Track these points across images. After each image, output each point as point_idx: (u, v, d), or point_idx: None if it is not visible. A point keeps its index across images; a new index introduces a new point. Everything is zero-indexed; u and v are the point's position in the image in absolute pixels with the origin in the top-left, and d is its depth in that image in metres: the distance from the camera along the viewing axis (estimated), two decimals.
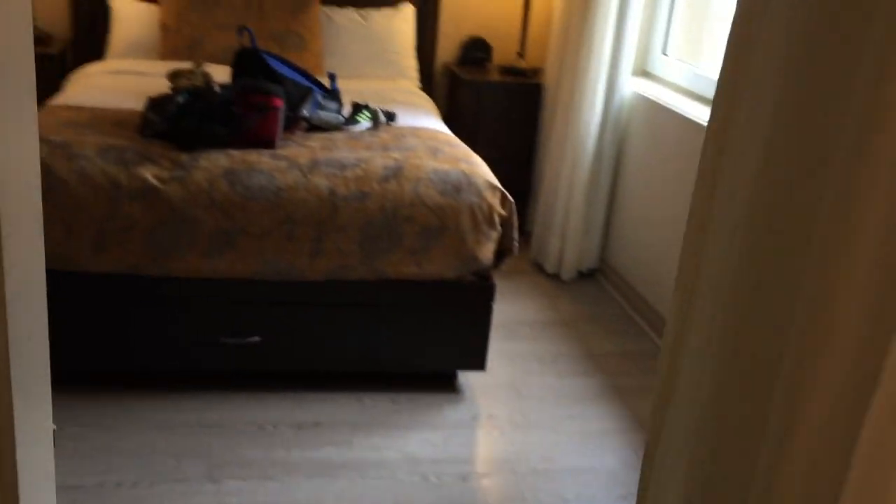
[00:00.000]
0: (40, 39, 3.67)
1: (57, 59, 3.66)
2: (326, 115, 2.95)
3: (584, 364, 3.08)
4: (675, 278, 1.46)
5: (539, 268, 3.85)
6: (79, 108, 2.91)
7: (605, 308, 3.55)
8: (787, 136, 1.14)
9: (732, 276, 1.25)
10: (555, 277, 3.77)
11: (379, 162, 2.66)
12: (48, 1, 3.83)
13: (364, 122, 3.05)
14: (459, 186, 2.64)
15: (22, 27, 0.87)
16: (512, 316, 3.37)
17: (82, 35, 3.86)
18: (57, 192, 2.41)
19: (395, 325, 2.71)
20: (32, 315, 0.98)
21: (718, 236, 1.27)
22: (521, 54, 4.13)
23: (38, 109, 2.93)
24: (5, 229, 0.83)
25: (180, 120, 2.62)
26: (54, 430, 1.37)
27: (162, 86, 2.95)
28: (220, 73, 3.06)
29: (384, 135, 2.97)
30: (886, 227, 0.97)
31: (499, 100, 4.01)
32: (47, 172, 2.41)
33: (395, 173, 2.62)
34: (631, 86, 3.58)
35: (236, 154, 2.60)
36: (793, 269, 1.13)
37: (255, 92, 2.67)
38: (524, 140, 4.08)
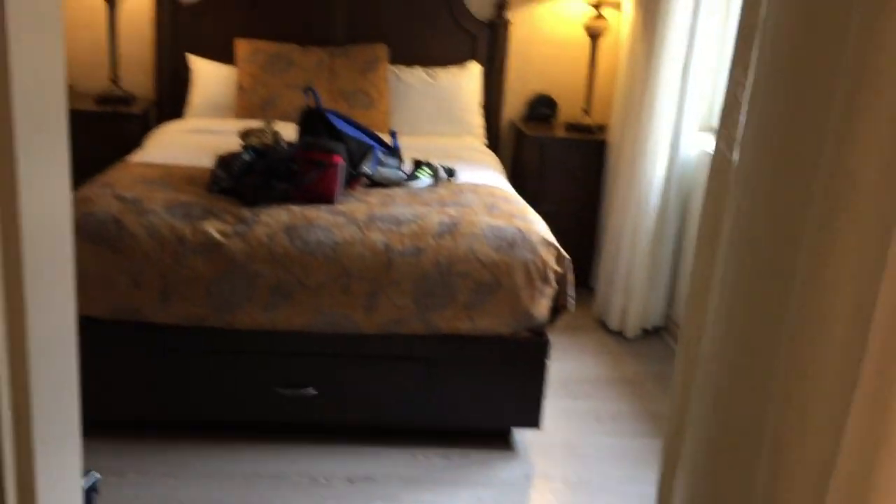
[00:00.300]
0: (124, 100, 3.88)
1: (140, 119, 3.86)
2: (387, 172, 3.02)
3: (645, 424, 3.01)
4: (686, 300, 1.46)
5: (602, 324, 3.81)
6: (154, 165, 3.06)
7: (669, 367, 3.45)
8: (782, 157, 1.14)
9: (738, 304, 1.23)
10: (618, 334, 3.71)
11: (435, 218, 2.70)
12: (133, 63, 4.06)
13: (424, 178, 3.10)
14: (514, 243, 2.65)
15: (55, 78, 0.93)
16: (572, 373, 3.33)
17: (165, 95, 4.06)
18: (126, 245, 2.52)
19: (449, 380, 2.71)
20: (60, 367, 1.02)
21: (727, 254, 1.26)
22: (586, 111, 4.14)
23: (117, 166, 3.08)
24: (29, 278, 0.87)
25: (245, 176, 2.73)
26: (98, 479, 1.42)
27: (234, 143, 3.07)
28: (291, 131, 3.17)
29: (443, 191, 3.01)
30: (867, 239, 0.97)
31: (564, 156, 4.03)
32: (118, 226, 2.54)
33: (450, 229, 2.65)
34: (697, 142, 3.55)
35: (297, 209, 2.68)
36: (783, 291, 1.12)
37: (315, 149, 2.76)
38: (589, 196, 4.07)
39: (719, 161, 1.26)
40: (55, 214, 0.97)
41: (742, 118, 1.16)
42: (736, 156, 1.19)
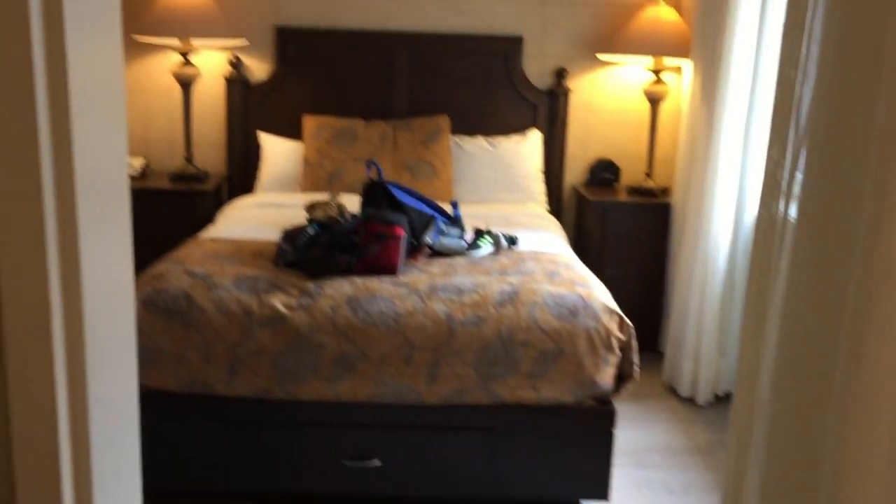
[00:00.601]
0: (198, 177, 4.04)
1: (213, 195, 4.00)
2: (448, 242, 3.06)
3: (718, 496, 2.91)
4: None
5: (672, 391, 3.72)
6: (224, 241, 3.16)
7: None
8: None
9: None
10: (689, 401, 3.62)
11: (495, 287, 2.71)
12: (206, 142, 4.24)
13: (485, 247, 3.12)
14: (576, 310, 2.64)
15: (117, 168, 0.98)
16: (642, 442, 3.25)
17: (236, 171, 4.22)
18: (196, 319, 2.60)
19: (513, 451, 2.68)
20: (121, 450, 1.05)
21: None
22: (648, 174, 4.13)
23: (189, 242, 3.19)
24: (91, 360, 0.90)
25: (309, 250, 2.79)
26: None
27: (301, 217, 3.16)
28: (356, 203, 3.24)
29: (504, 259, 3.03)
30: None
31: (627, 220, 4.01)
32: (189, 301, 2.62)
33: (511, 298, 2.66)
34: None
35: (360, 281, 2.72)
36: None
37: (376, 222, 2.81)
38: (654, 260, 4.03)
39: (762, 240, 1.24)
40: (117, 292, 1.01)
41: (783, 196, 1.15)
42: (778, 233, 1.18)
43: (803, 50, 1.08)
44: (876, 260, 0.92)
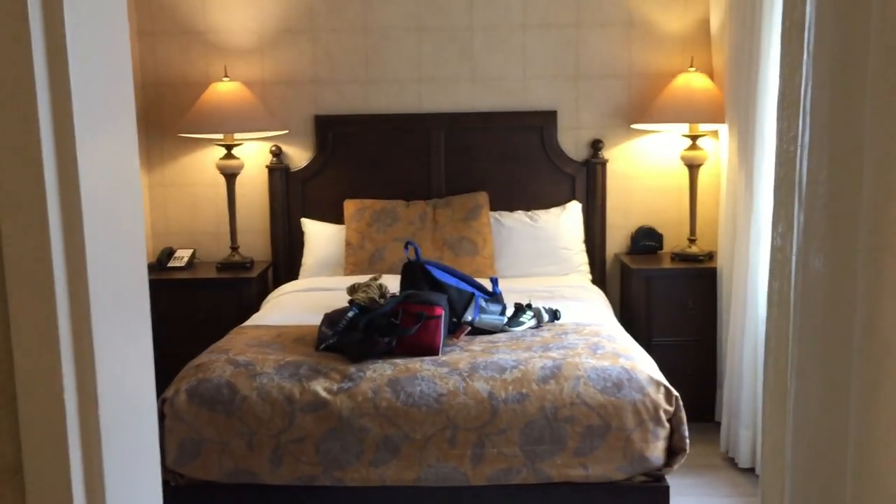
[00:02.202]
0: (244, 266, 4.12)
1: (258, 282, 4.07)
2: (489, 319, 3.04)
3: None
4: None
5: (731, 461, 3.58)
6: (267, 328, 3.20)
7: None
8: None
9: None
10: (749, 472, 3.48)
11: (537, 362, 2.67)
12: (250, 231, 4.34)
13: (527, 322, 3.10)
14: (620, 383, 2.58)
15: (135, 261, 1.00)
16: None
17: (280, 258, 4.29)
18: (239, 408, 2.61)
19: None
20: None
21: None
22: (692, 240, 4.08)
23: (234, 331, 3.22)
24: (109, 470, 0.91)
25: (349, 333, 2.80)
26: None
27: (343, 300, 3.18)
28: (397, 284, 3.26)
29: (546, 334, 3.00)
30: None
31: (672, 287, 3.94)
32: (232, 390, 2.64)
33: (554, 373, 2.62)
34: None
35: (400, 363, 2.72)
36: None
37: (415, 302, 2.82)
38: (704, 327, 3.94)
39: (776, 316, 1.21)
40: (136, 397, 1.02)
41: (792, 272, 1.12)
42: (791, 311, 1.15)
43: (799, 124, 1.08)
44: (875, 336, 0.89)
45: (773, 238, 1.23)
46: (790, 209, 1.15)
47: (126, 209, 0.96)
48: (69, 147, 0.82)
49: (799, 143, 1.07)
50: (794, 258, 1.13)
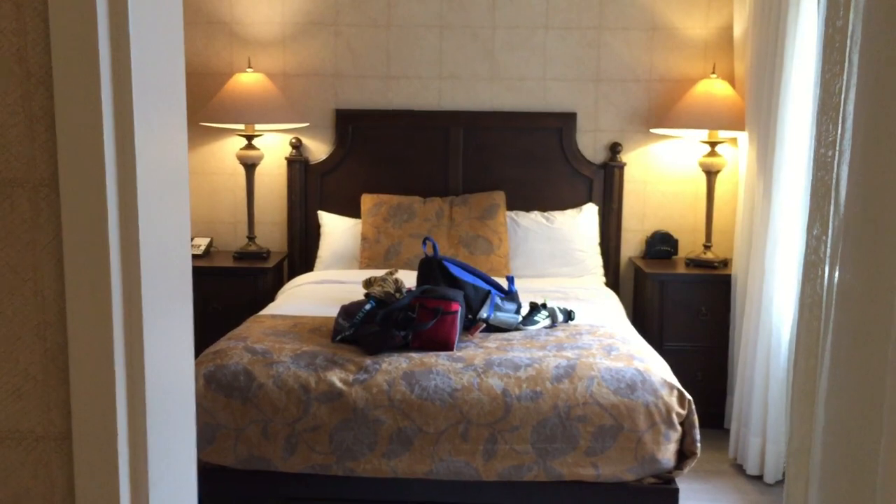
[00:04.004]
0: (260, 256, 4.15)
1: (274, 273, 4.10)
2: (504, 317, 3.06)
3: None
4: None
5: (739, 469, 3.59)
6: (283, 317, 3.22)
7: None
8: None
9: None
10: (758, 479, 3.49)
11: (552, 361, 2.69)
12: (268, 222, 4.37)
13: (541, 321, 3.12)
14: (634, 385, 2.60)
15: (181, 253, 1.02)
16: None
17: (296, 249, 4.31)
18: (256, 395, 2.64)
19: None
20: None
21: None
22: (707, 246, 4.09)
23: (250, 319, 3.25)
24: (153, 441, 0.93)
25: (366, 325, 2.83)
26: None
27: (359, 293, 3.21)
28: (413, 279, 3.28)
29: (560, 333, 3.01)
30: None
31: (686, 292, 3.95)
32: (249, 378, 2.67)
33: (568, 372, 2.64)
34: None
35: (416, 356, 2.74)
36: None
37: (432, 297, 2.84)
38: (716, 334, 3.95)
39: (808, 317, 1.23)
40: (178, 372, 1.04)
41: (826, 274, 1.14)
42: (822, 312, 1.16)
43: (838, 129, 1.09)
44: None
45: (808, 241, 1.25)
46: (826, 213, 1.16)
47: (175, 194, 0.98)
48: (128, 133, 0.85)
49: (837, 148, 1.09)
50: (827, 261, 1.15)
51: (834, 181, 1.12)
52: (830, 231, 1.14)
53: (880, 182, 1.00)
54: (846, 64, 1.07)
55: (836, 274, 1.11)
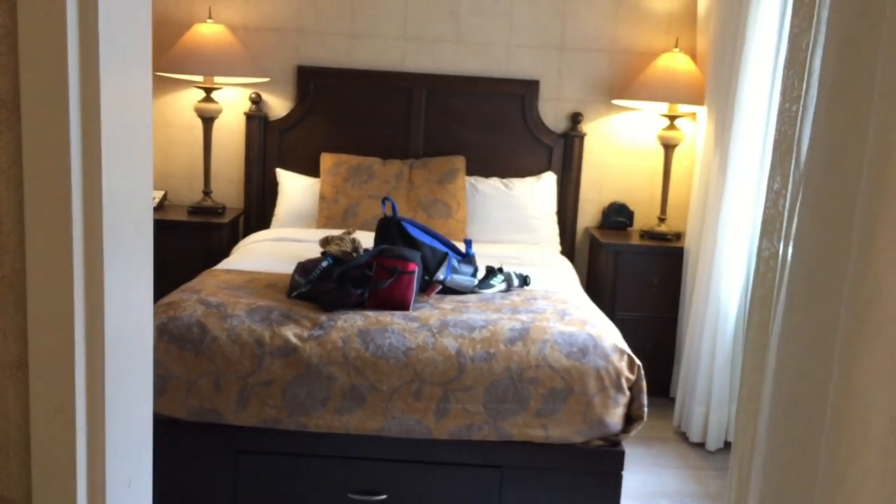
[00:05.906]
0: (215, 211, 4.10)
1: (229, 229, 4.05)
2: (461, 279, 3.08)
3: None
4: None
5: (682, 436, 3.69)
6: (239, 272, 3.20)
7: None
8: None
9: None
10: (700, 447, 3.59)
11: (506, 324, 2.72)
12: (224, 178, 4.31)
13: (497, 285, 3.14)
14: (586, 349, 2.64)
15: (143, 201, 1.01)
16: (651, 487, 3.22)
17: (253, 206, 4.27)
18: (209, 348, 2.62)
19: (521, 489, 2.67)
20: (134, 461, 1.06)
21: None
22: (662, 219, 4.15)
23: (205, 273, 3.21)
24: (110, 377, 0.93)
25: (322, 282, 2.82)
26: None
27: (315, 251, 3.19)
28: (370, 239, 3.28)
29: (515, 297, 3.04)
30: None
31: (639, 263, 4.02)
32: (202, 330, 2.65)
33: (521, 335, 2.67)
34: None
35: (372, 315, 2.74)
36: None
37: (390, 256, 2.84)
38: (666, 304, 4.03)
39: (763, 272, 1.26)
40: (137, 316, 1.03)
41: (784, 227, 1.17)
42: (779, 264, 1.19)
43: (804, 84, 1.11)
44: (863, 289, 0.93)
45: (768, 194, 1.28)
46: (787, 167, 1.19)
47: (139, 140, 0.97)
48: (92, 58, 0.83)
49: (801, 104, 1.11)
50: (786, 214, 1.18)
51: (797, 136, 1.14)
52: (791, 185, 1.17)
53: (842, 137, 1.03)
54: (814, 20, 1.09)
55: (794, 226, 1.14)
